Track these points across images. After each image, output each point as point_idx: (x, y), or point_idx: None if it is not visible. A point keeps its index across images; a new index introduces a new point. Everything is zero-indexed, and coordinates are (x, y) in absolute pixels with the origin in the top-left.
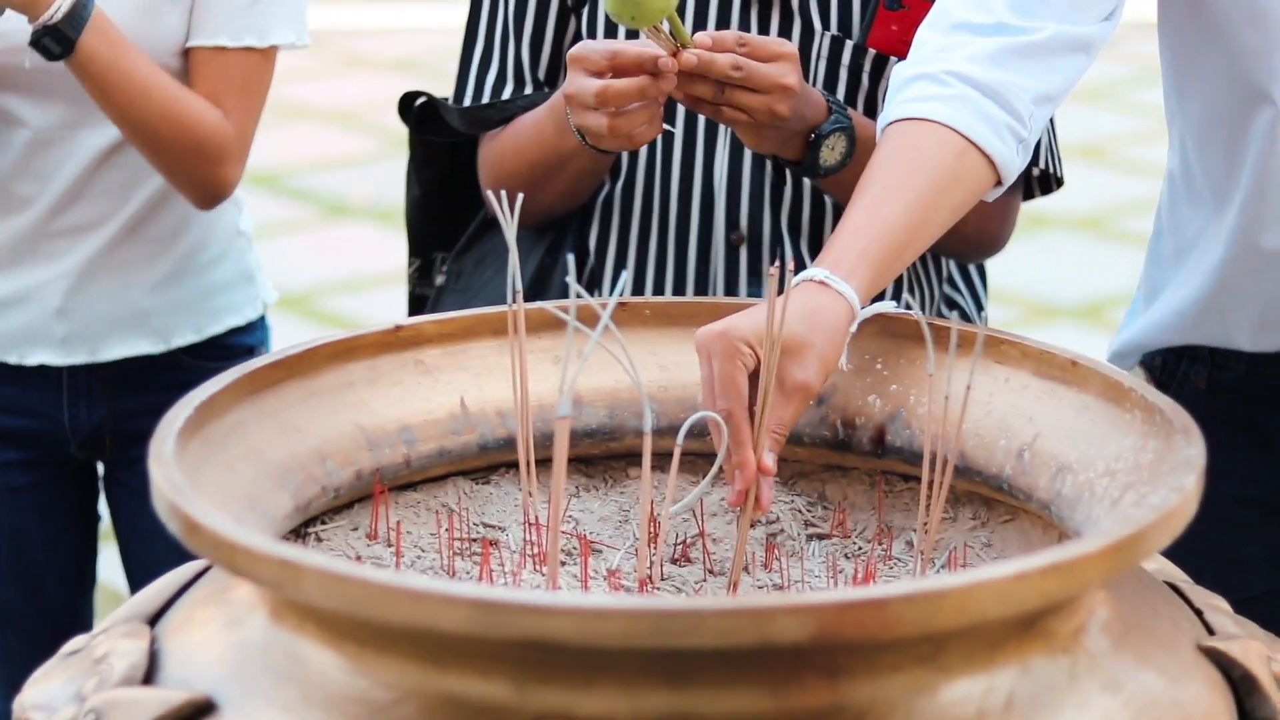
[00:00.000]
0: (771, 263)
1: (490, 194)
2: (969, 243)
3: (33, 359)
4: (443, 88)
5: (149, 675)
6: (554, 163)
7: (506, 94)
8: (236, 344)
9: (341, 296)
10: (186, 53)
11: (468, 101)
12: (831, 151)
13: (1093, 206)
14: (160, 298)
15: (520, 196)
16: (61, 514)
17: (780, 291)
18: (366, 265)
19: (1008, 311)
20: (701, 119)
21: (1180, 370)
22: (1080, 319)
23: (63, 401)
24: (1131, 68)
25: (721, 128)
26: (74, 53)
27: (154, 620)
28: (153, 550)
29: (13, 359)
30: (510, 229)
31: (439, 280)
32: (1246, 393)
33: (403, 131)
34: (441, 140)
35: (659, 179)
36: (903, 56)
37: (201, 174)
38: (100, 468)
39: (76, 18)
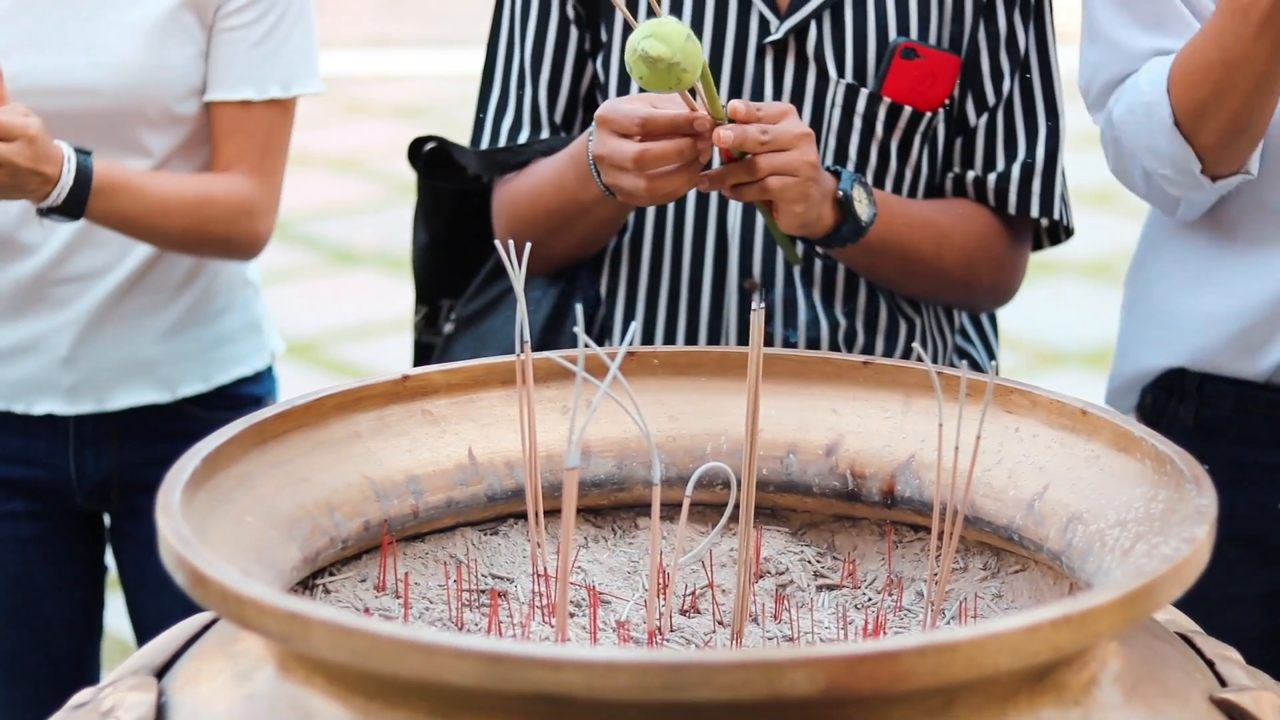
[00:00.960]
0: (783, 316)
1: (499, 244)
2: (980, 293)
3: (40, 408)
4: (446, 134)
5: None
6: (573, 212)
7: (523, 138)
8: (244, 394)
9: (348, 344)
10: (206, 105)
11: (484, 145)
12: (862, 204)
13: (1101, 252)
14: (167, 347)
15: (529, 246)
16: (68, 565)
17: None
18: (373, 313)
19: (1015, 357)
20: (715, 165)
21: (1169, 408)
22: (1088, 365)
23: (69, 451)
24: None
25: None
26: (85, 215)
27: (161, 673)
28: (160, 602)
29: (19, 408)
30: (518, 279)
31: (446, 328)
32: (1232, 432)
33: (408, 178)
34: (451, 187)
35: (671, 225)
36: (918, 106)
37: (236, 245)
38: (106, 519)
39: (79, 193)
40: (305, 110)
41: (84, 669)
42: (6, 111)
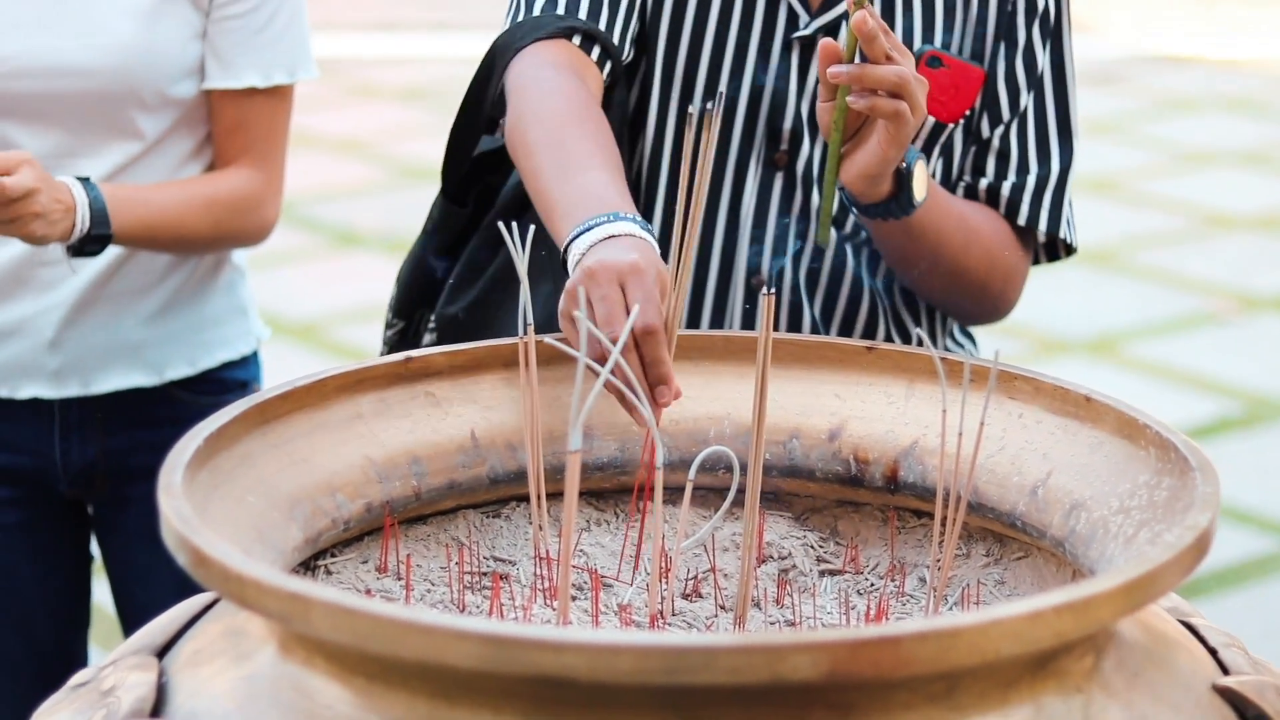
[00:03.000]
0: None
1: (502, 225)
2: (989, 298)
3: (24, 392)
4: (450, 117)
5: (157, 708)
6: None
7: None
8: (230, 378)
9: (350, 326)
10: (205, 92)
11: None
12: (919, 183)
13: (1102, 240)
14: (154, 330)
15: (531, 229)
16: (53, 553)
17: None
18: (376, 295)
19: (1017, 345)
20: (732, 156)
21: None
22: (1090, 353)
23: (54, 436)
24: (1141, 101)
25: (752, 168)
26: (114, 237)
27: (162, 653)
28: (148, 592)
29: (2, 393)
30: (521, 261)
31: (426, 339)
32: None
33: (412, 161)
34: (464, 211)
35: (680, 215)
36: (939, 117)
37: (247, 237)
38: (89, 509)
39: (101, 214)
40: (310, 92)
41: (70, 659)
42: None
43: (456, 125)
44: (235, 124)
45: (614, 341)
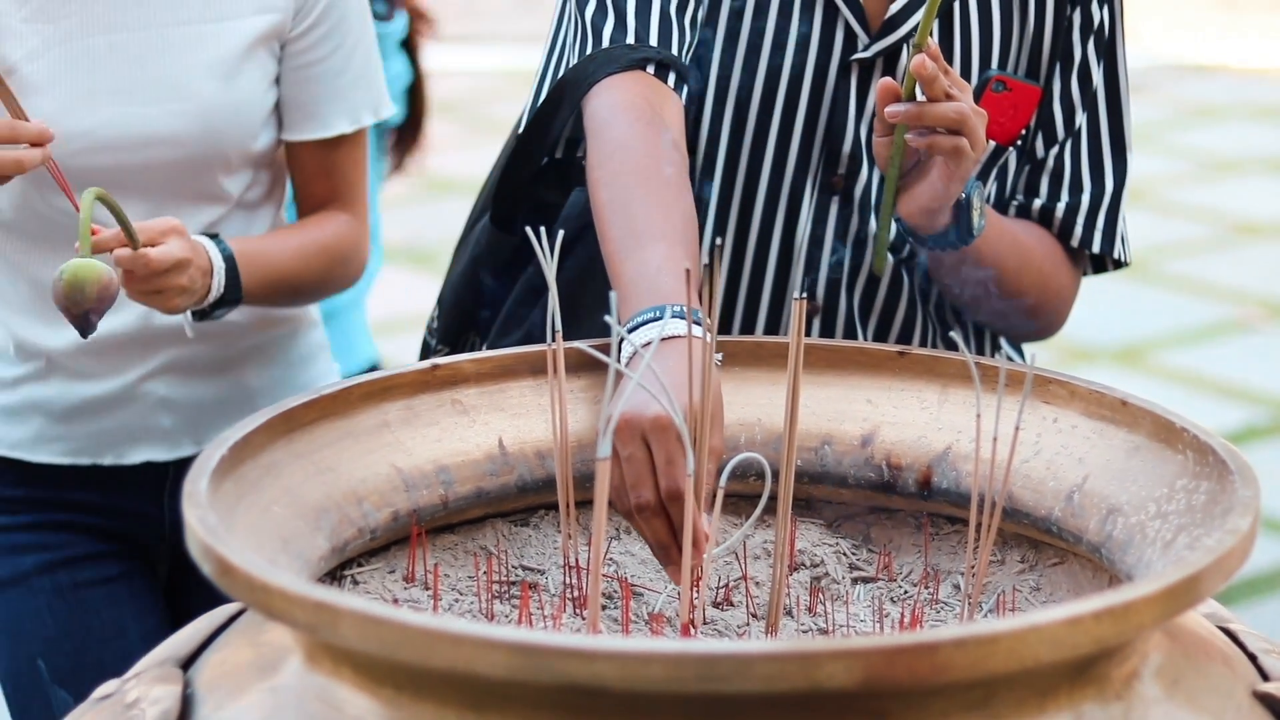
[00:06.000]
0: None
1: (529, 231)
2: (1040, 319)
3: (134, 457)
4: (480, 130)
5: None
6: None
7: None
8: None
9: (377, 338)
10: (285, 142)
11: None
12: (977, 212)
13: (1132, 249)
14: (260, 377)
15: (560, 235)
16: (150, 600)
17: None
18: (400, 307)
19: (1046, 354)
20: (788, 179)
21: None
22: (1119, 361)
23: (164, 497)
24: (1168, 110)
25: (806, 195)
26: (244, 297)
27: (187, 664)
28: None
29: (108, 460)
30: (550, 267)
31: None
32: None
33: (437, 174)
34: (514, 239)
35: (733, 232)
36: (998, 139)
37: (346, 281)
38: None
39: (233, 274)
40: None
41: None
42: (144, 229)
43: (513, 155)
44: (321, 170)
45: (644, 504)
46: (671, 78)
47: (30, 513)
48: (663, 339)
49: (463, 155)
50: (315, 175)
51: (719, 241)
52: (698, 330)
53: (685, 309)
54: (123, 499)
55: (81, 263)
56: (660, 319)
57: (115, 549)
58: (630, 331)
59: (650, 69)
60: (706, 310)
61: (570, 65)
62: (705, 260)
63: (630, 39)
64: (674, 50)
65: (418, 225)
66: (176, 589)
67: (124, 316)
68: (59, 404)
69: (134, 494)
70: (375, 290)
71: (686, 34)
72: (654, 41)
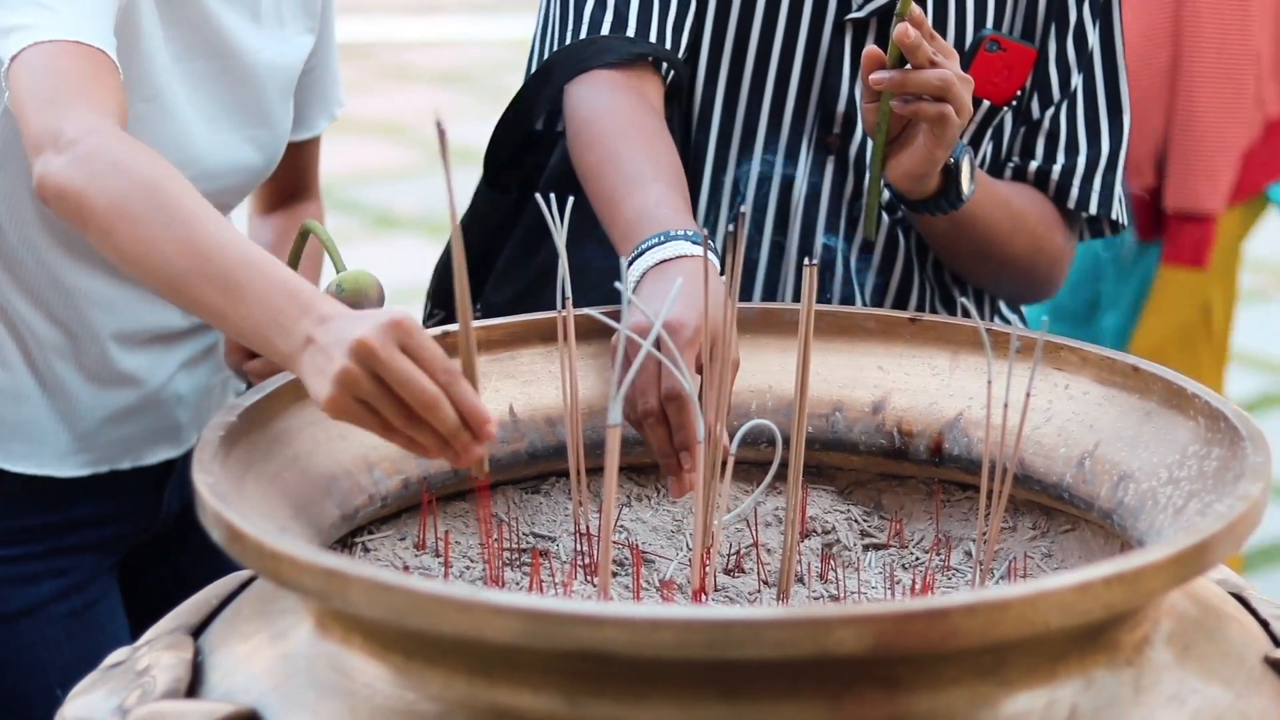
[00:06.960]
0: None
1: (539, 197)
2: (1035, 282)
3: (154, 457)
4: (492, 100)
5: (192, 688)
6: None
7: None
8: None
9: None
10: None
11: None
12: (966, 176)
13: None
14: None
15: (570, 201)
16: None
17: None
18: (413, 277)
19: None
20: (784, 139)
21: None
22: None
23: (163, 493)
24: None
25: (802, 154)
26: None
27: (198, 632)
28: None
29: (126, 464)
30: (560, 234)
31: None
32: None
33: (450, 143)
34: (508, 196)
35: (727, 197)
36: (992, 99)
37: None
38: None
39: None
40: (347, 75)
41: None
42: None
43: (505, 122)
44: (292, 167)
45: (648, 410)
46: (662, 66)
47: (45, 540)
48: (670, 259)
49: (474, 125)
50: (286, 172)
51: (743, 210)
52: (703, 253)
53: (687, 233)
54: (126, 501)
55: (354, 273)
56: (665, 242)
57: (114, 560)
58: (634, 260)
59: (636, 65)
60: (729, 277)
61: (556, 47)
62: (730, 227)
63: (630, 31)
64: (668, 45)
65: (429, 195)
66: (171, 554)
67: (172, 312)
68: (91, 417)
69: (138, 494)
70: (388, 260)
71: (685, 22)
72: (653, 38)
